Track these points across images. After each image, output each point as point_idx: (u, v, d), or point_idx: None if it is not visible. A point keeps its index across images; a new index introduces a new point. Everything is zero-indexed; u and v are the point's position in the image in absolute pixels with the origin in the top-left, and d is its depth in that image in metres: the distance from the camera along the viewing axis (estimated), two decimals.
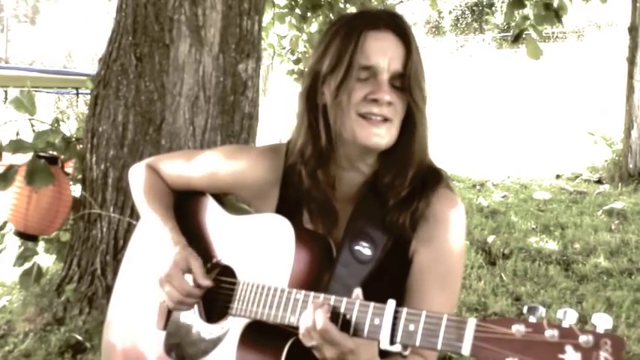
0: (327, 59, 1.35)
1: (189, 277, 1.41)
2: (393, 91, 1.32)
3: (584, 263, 5.00)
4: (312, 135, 1.38)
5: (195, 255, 1.44)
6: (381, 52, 1.31)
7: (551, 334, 0.89)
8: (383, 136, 1.32)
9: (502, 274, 4.81)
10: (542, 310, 0.93)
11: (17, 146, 3.45)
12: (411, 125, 1.35)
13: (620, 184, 8.14)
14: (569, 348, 0.88)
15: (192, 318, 1.44)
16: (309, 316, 1.15)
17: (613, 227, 6.07)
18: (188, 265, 1.41)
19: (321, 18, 6.81)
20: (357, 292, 1.16)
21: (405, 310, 1.07)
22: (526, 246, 5.44)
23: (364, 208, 1.38)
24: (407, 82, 1.32)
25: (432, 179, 1.39)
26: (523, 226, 6.13)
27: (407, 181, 1.35)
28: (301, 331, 1.17)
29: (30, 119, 3.61)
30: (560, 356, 0.88)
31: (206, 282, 1.40)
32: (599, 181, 8.68)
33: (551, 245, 5.52)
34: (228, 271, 1.42)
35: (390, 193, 1.36)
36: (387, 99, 1.30)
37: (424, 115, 1.35)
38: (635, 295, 4.28)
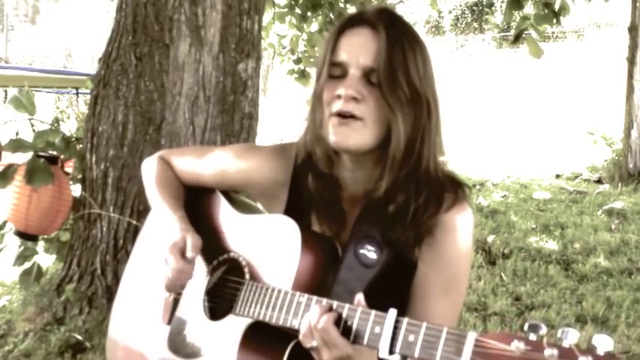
0: (318, 59, 1.35)
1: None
2: (367, 87, 1.28)
3: (584, 263, 5.00)
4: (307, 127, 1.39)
5: (195, 234, 1.43)
6: (351, 48, 1.29)
7: (550, 353, 0.89)
8: (348, 135, 1.28)
9: (502, 274, 4.80)
10: (543, 329, 0.92)
11: (17, 145, 3.45)
12: (389, 125, 1.29)
13: (620, 184, 8.14)
14: None
15: (196, 314, 1.45)
16: (312, 315, 1.15)
17: (613, 227, 6.07)
18: (185, 243, 1.41)
19: (321, 18, 6.82)
20: (359, 297, 1.15)
21: (405, 320, 1.07)
22: (526, 246, 5.44)
23: (370, 212, 1.35)
24: (377, 77, 1.27)
25: (443, 192, 1.33)
26: (523, 226, 6.13)
27: (386, 184, 1.30)
28: (302, 330, 1.17)
29: (30, 119, 3.61)
30: None
31: (191, 254, 1.38)
32: (599, 181, 8.68)
33: (551, 245, 5.51)
34: (235, 270, 1.43)
35: (382, 198, 1.32)
36: (350, 94, 1.26)
37: (402, 114, 1.26)
38: (635, 294, 4.28)
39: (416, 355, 1.03)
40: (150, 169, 1.67)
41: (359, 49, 1.28)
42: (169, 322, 1.49)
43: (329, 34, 1.35)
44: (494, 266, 5.02)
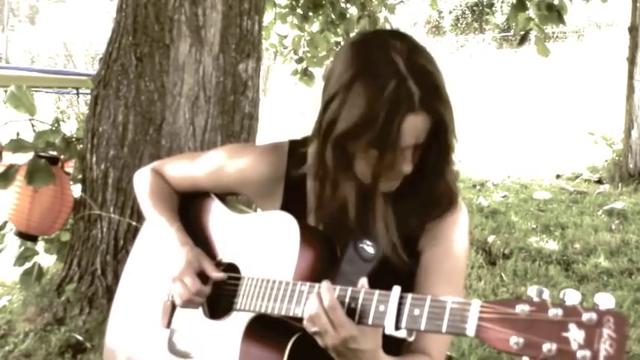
0: (368, 130, 1.24)
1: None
2: (416, 151, 1.30)
3: (584, 263, 5.00)
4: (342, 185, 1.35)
5: (205, 254, 1.46)
6: (413, 133, 1.25)
7: (554, 312, 0.90)
8: (389, 187, 1.33)
9: (502, 274, 4.81)
10: (545, 291, 0.94)
11: (17, 146, 3.45)
12: (435, 168, 1.34)
13: (620, 184, 8.14)
14: (572, 326, 0.89)
15: (196, 315, 1.45)
16: (316, 298, 1.16)
17: (613, 227, 6.07)
18: (200, 265, 1.43)
19: (322, 17, 6.82)
20: (363, 281, 1.17)
21: (410, 296, 1.08)
22: (526, 246, 5.44)
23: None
24: (427, 145, 1.29)
25: (446, 193, 1.39)
26: (523, 226, 6.13)
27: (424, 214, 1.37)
28: (305, 316, 1.17)
29: (30, 119, 3.61)
30: (564, 334, 0.89)
31: (218, 274, 1.42)
32: (599, 181, 8.67)
33: (552, 245, 5.52)
34: (233, 269, 1.43)
35: (395, 203, 1.37)
36: (409, 171, 1.30)
37: (450, 158, 1.34)
38: (635, 295, 4.29)
39: (422, 327, 1.04)
40: (142, 181, 1.67)
41: (419, 133, 1.26)
42: (168, 326, 1.49)
43: (384, 110, 1.22)
44: (495, 266, 5.03)
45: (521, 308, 0.93)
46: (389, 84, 1.21)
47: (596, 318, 0.87)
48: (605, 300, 0.88)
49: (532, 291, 0.94)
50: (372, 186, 1.31)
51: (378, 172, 1.28)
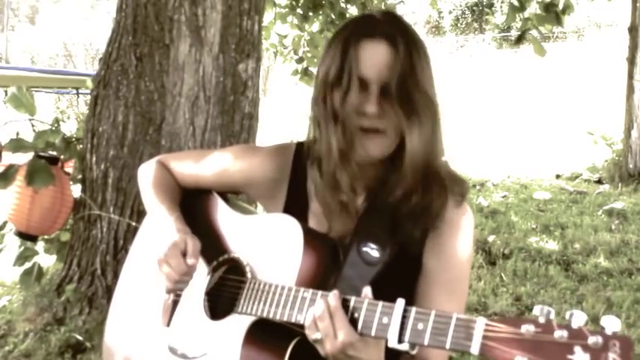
0: (331, 67, 1.31)
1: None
2: (386, 100, 1.28)
3: (584, 263, 5.00)
4: (328, 139, 1.34)
5: (194, 237, 1.44)
6: (371, 63, 1.27)
7: (560, 334, 0.90)
8: (371, 147, 1.30)
9: (502, 274, 4.81)
10: (551, 311, 0.93)
11: (17, 146, 3.45)
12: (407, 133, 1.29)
13: (620, 184, 8.14)
14: (578, 349, 0.88)
15: (196, 315, 1.45)
16: (320, 303, 1.15)
17: (613, 227, 6.08)
18: (186, 246, 1.41)
19: (322, 17, 6.82)
20: (366, 291, 1.16)
21: (414, 309, 1.07)
22: (526, 246, 5.44)
23: (374, 209, 1.37)
24: (393, 91, 1.27)
25: (447, 190, 1.35)
26: (523, 226, 6.13)
27: (409, 190, 1.32)
28: (307, 322, 1.17)
29: (30, 119, 3.61)
30: (569, 357, 0.88)
31: (192, 260, 1.39)
32: (599, 181, 8.68)
33: (551, 245, 5.52)
34: (235, 269, 1.43)
35: (398, 202, 1.33)
36: (373, 111, 1.27)
37: (418, 125, 1.27)
38: (635, 295, 4.29)
39: (425, 342, 1.03)
40: (147, 173, 1.67)
41: (380, 65, 1.27)
42: (169, 324, 1.49)
43: (340, 42, 1.31)
44: (495, 266, 5.03)
45: (527, 328, 0.92)
46: (355, 19, 1.36)
47: (602, 342, 0.87)
48: (612, 323, 0.88)
49: (538, 311, 0.93)
50: (345, 134, 1.29)
51: (348, 111, 1.28)
